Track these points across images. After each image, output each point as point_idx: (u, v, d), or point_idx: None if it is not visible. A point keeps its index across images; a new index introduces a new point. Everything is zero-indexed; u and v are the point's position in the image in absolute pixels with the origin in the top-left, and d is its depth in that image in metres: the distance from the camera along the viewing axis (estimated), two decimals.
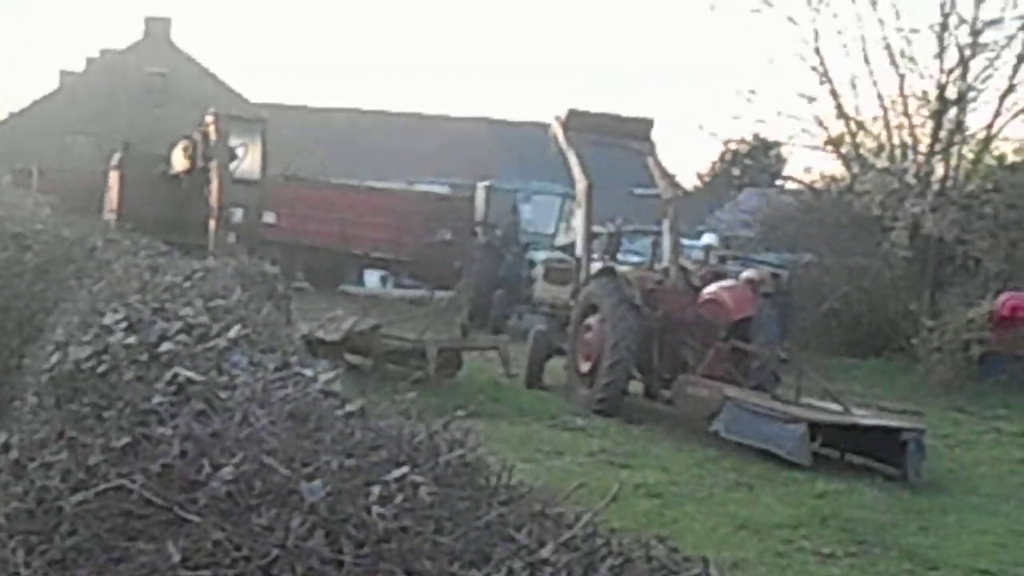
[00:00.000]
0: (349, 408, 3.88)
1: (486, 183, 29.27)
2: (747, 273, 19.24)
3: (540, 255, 25.03)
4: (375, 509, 2.81)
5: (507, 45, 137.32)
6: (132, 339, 4.74)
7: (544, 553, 2.39)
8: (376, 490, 2.91)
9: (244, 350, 4.64)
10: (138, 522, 3.20)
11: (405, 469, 3.09)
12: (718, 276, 18.48)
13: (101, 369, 4.56)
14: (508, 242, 26.73)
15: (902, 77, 26.54)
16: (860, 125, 27.31)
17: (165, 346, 4.58)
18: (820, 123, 27.79)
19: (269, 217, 29.70)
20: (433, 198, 30.71)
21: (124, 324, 5.06)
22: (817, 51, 27.18)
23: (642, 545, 2.48)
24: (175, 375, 4.11)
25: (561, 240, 22.26)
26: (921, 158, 26.45)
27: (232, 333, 4.93)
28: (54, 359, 5.14)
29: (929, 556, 11.16)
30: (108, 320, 5.23)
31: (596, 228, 20.08)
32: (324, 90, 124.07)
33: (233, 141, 24.15)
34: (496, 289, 24.73)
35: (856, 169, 27.85)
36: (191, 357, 4.34)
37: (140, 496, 3.26)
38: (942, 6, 25.84)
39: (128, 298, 5.85)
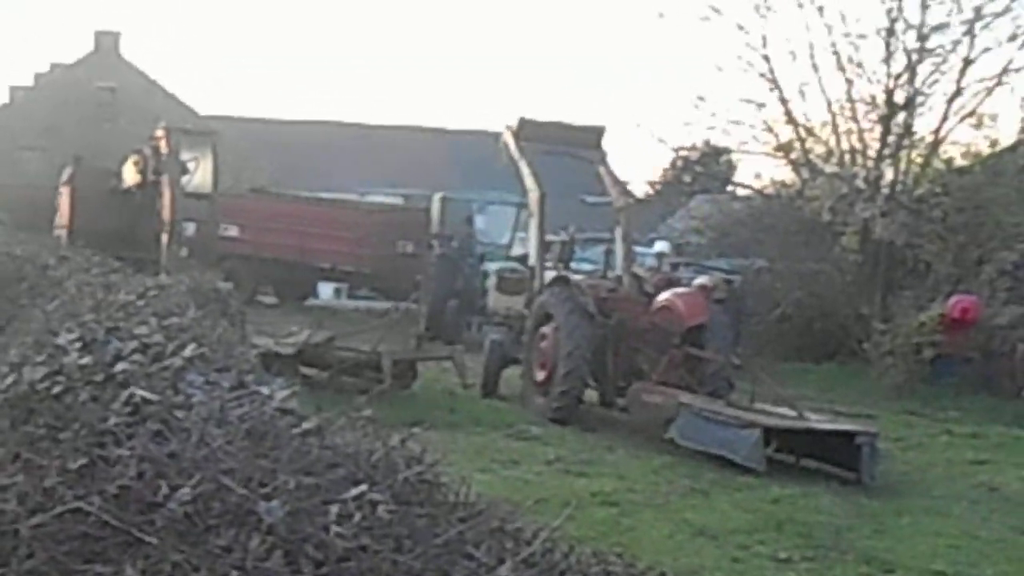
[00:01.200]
0: (306, 426, 3.92)
1: (440, 194, 29.27)
2: (700, 280, 19.44)
3: (493, 265, 25.08)
4: (334, 528, 2.86)
5: (458, 54, 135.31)
6: (87, 359, 4.75)
7: (503, 571, 2.45)
8: (334, 509, 2.97)
9: (200, 369, 4.67)
10: (96, 544, 3.19)
11: (363, 487, 3.14)
12: (671, 283, 18.60)
13: (56, 390, 4.49)
14: (464, 253, 26.77)
15: (850, 83, 26.79)
16: (809, 131, 27.56)
17: (120, 366, 4.59)
18: (769, 129, 28.01)
19: (232, 230, 29.81)
20: (393, 210, 30.74)
21: (79, 344, 5.07)
22: (766, 58, 27.32)
23: (600, 560, 2.55)
24: (131, 395, 4.09)
25: (516, 250, 22.31)
26: (870, 163, 26.65)
27: (187, 352, 4.96)
28: (8, 380, 5.07)
29: (885, 559, 11.17)
30: (62, 340, 5.23)
31: (549, 237, 20.12)
32: (275, 102, 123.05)
33: (184, 155, 24.23)
34: (452, 300, 24.76)
35: (806, 175, 28.05)
36: (147, 377, 4.37)
37: (97, 518, 3.26)
38: (889, 12, 26.09)
39: (82, 317, 5.86)
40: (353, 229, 29.46)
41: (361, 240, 28.98)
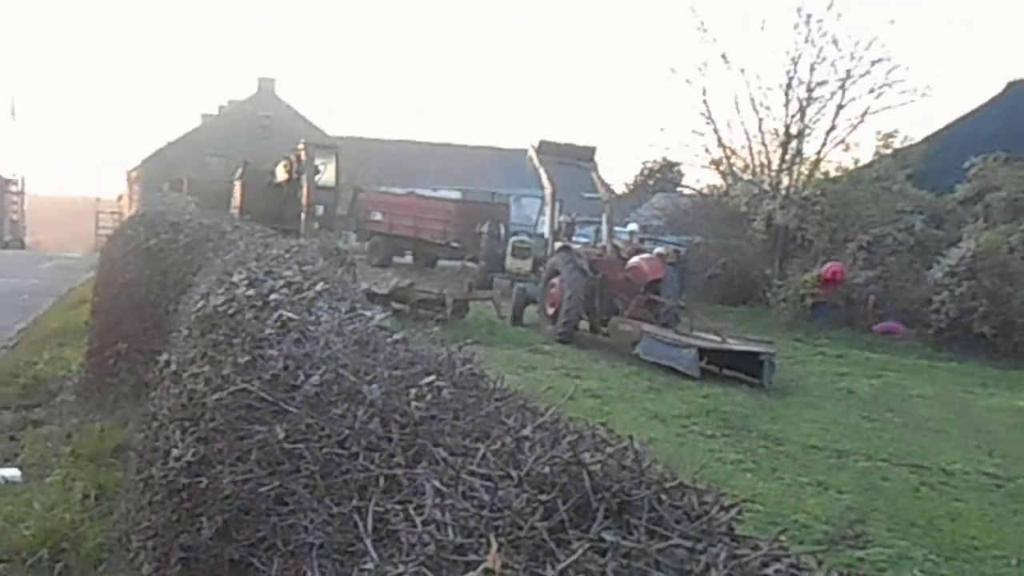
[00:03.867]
0: (395, 337, 3.89)
1: (494, 193, 29.30)
2: (658, 249, 19.48)
3: (514, 238, 25.03)
4: (413, 403, 2.80)
5: (498, 93, 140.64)
6: (251, 291, 4.74)
7: (525, 432, 2.38)
8: (413, 391, 2.89)
9: (325, 299, 4.68)
10: (255, 412, 3.06)
11: (432, 377, 3.06)
12: (639, 251, 18.62)
13: (230, 311, 4.52)
14: (504, 230, 26.70)
15: (760, 119, 26.49)
16: (732, 151, 27.24)
17: (273, 296, 4.58)
18: (707, 150, 27.72)
19: (376, 215, 30.02)
20: (472, 202, 30.61)
21: (246, 281, 5.07)
22: (704, 102, 27.08)
23: (590, 428, 2.52)
24: (280, 315, 4.12)
25: (540, 229, 22.33)
26: (773, 173, 26.42)
27: (317, 288, 4.95)
28: (199, 305, 5.01)
29: (777, 436, 11.24)
30: (235, 279, 5.23)
31: (559, 219, 20.20)
32: (374, 125, 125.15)
33: (316, 161, 24.37)
34: (498, 262, 24.72)
35: (730, 181, 27.73)
36: (290, 303, 4.37)
37: (257, 395, 3.16)
38: (787, 72, 25.87)
39: (248, 264, 5.87)
40: (446, 215, 29.33)
41: (450, 222, 28.81)
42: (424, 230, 28.84)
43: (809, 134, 26.30)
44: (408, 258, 30.29)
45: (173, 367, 4.45)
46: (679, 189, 32.69)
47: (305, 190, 24.25)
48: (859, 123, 26.61)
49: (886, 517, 8.29)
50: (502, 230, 25.29)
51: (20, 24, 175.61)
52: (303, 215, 23.81)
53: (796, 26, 25.54)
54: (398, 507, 2.23)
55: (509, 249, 23.52)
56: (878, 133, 28.27)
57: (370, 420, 2.71)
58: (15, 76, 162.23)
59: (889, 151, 27.23)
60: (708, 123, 26.96)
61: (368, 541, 2.19)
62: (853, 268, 22.89)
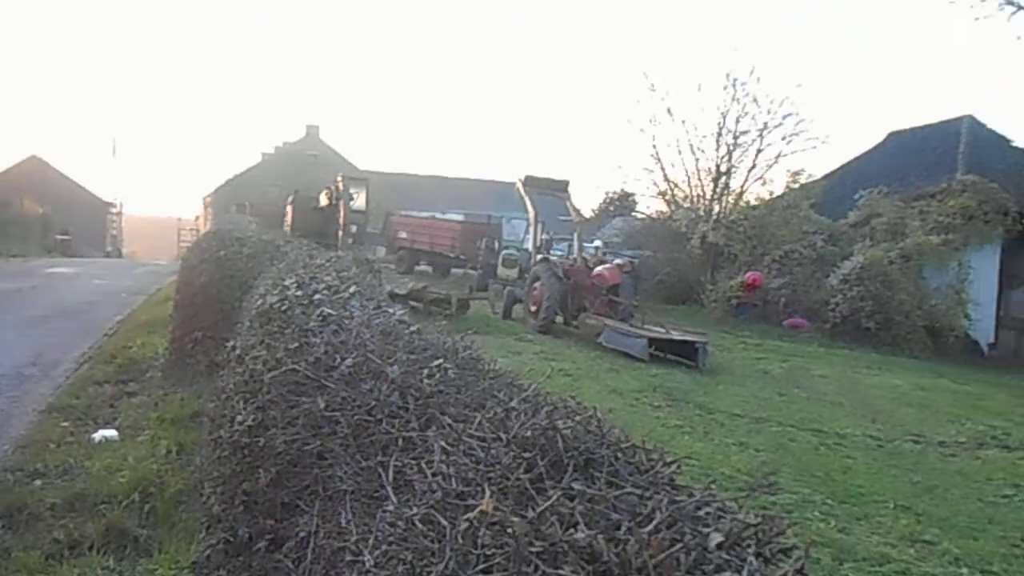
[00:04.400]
0: (412, 329, 3.88)
1: (489, 215, 29.29)
2: (617, 260, 19.42)
3: (504, 252, 25.03)
4: (425, 380, 2.80)
5: (493, 137, 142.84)
6: (299, 292, 4.74)
7: (512, 403, 2.38)
8: (425, 371, 2.89)
9: (357, 299, 4.67)
10: (302, 387, 3.07)
11: (440, 360, 3.07)
12: (602, 262, 18.56)
13: (283, 307, 4.52)
14: (498, 245, 26.67)
15: (697, 160, 26.39)
16: (675, 185, 27.14)
17: (316, 296, 4.58)
18: (655, 184, 27.69)
19: (403, 234, 29.99)
20: (472, 223, 30.57)
21: (295, 284, 5.06)
22: (654, 146, 27.07)
23: (562, 400, 2.52)
24: (321, 311, 4.11)
25: (526, 245, 22.33)
26: (707, 202, 26.39)
27: (351, 290, 4.94)
28: (258, 302, 4.99)
29: (709, 407, 11.09)
30: (287, 282, 5.22)
31: (540, 237, 20.22)
32: (395, 161, 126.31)
33: (351, 190, 24.32)
34: (493, 270, 24.71)
35: (673, 207, 27.69)
36: (330, 302, 4.36)
37: (303, 374, 3.15)
38: (718, 123, 25.82)
39: (297, 271, 5.87)
40: (454, 233, 29.29)
41: (459, 239, 28.75)
42: (437, 245, 28.76)
43: (735, 172, 26.16)
44: (427, 268, 30.20)
45: (238, 351, 4.43)
46: (634, 214, 32.64)
47: (342, 213, 24.15)
48: (774, 163, 26.53)
49: (793, 470, 8.28)
50: (496, 245, 25.28)
51: (119, 79, 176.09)
52: (340, 233, 23.73)
53: (725, 87, 25.57)
54: (413, 462, 2.24)
55: (500, 260, 23.53)
56: (788, 171, 28.27)
57: (391, 393, 2.70)
58: (115, 122, 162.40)
59: (797, 185, 27.19)
60: (656, 162, 26.93)
61: (389, 488, 2.20)
62: (769, 276, 22.66)
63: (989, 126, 25.19)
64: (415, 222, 30.64)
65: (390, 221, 31.31)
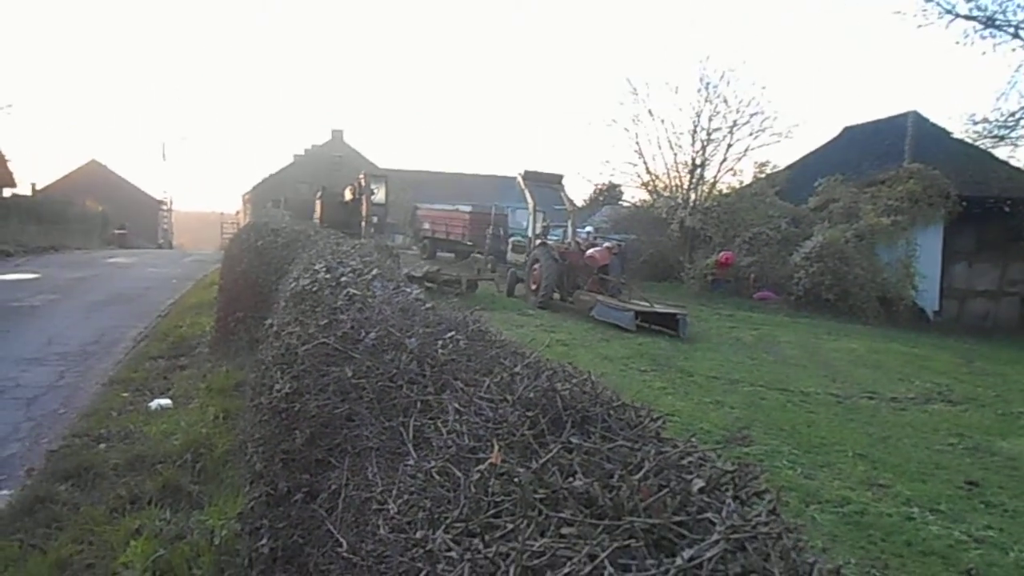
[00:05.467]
0: (428, 306, 3.87)
1: (495, 205, 29.11)
2: (606, 243, 19.32)
3: (511, 239, 24.92)
4: (440, 351, 2.80)
5: (498, 136, 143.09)
6: (328, 275, 4.73)
7: (516, 369, 2.38)
8: (440, 342, 2.90)
9: (379, 280, 4.66)
10: (332, 358, 2.98)
11: (453, 332, 3.06)
12: (593, 245, 18.49)
13: (314, 289, 4.51)
14: (505, 233, 26.54)
15: (675, 154, 26.24)
16: (656, 177, 27.01)
17: (343, 279, 4.56)
18: (638, 176, 27.52)
19: (426, 224, 29.74)
20: (480, 213, 30.31)
21: (324, 268, 5.05)
22: (637, 142, 26.93)
23: (561, 365, 2.53)
24: (348, 292, 4.08)
25: (530, 231, 22.27)
26: (684, 191, 26.28)
27: (373, 272, 4.93)
28: (292, 284, 4.95)
29: (689, 370, 11.04)
30: (317, 267, 5.21)
31: (539, 224, 20.16)
32: (412, 158, 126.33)
33: (372, 185, 24.13)
34: (497, 255, 24.60)
35: (655, 197, 27.61)
36: (355, 283, 4.35)
37: (332, 347, 3.12)
38: (693, 122, 25.69)
39: (325, 257, 5.87)
40: (464, 222, 29.10)
41: (468, 227, 28.56)
42: (453, 233, 28.62)
43: (709, 164, 25.95)
44: (450, 254, 29.90)
45: (275, 328, 4.38)
46: (620, 203, 32.56)
47: (365, 206, 23.90)
48: (743, 156, 26.29)
49: (763, 425, 8.27)
50: (502, 232, 25.22)
51: (169, 90, 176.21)
52: (363, 223, 23.61)
53: (699, 90, 25.41)
54: (430, 422, 2.22)
55: (511, 247, 23.44)
56: (756, 163, 28.25)
57: (410, 362, 2.67)
58: (165, 129, 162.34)
59: (763, 175, 27.12)
60: (639, 157, 26.79)
61: (410, 445, 2.18)
62: (740, 255, 22.55)
63: (932, 120, 25.17)
64: (435, 214, 30.50)
65: (416, 215, 31.05)
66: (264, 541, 3.21)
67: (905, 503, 6.22)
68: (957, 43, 24.29)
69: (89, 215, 41.98)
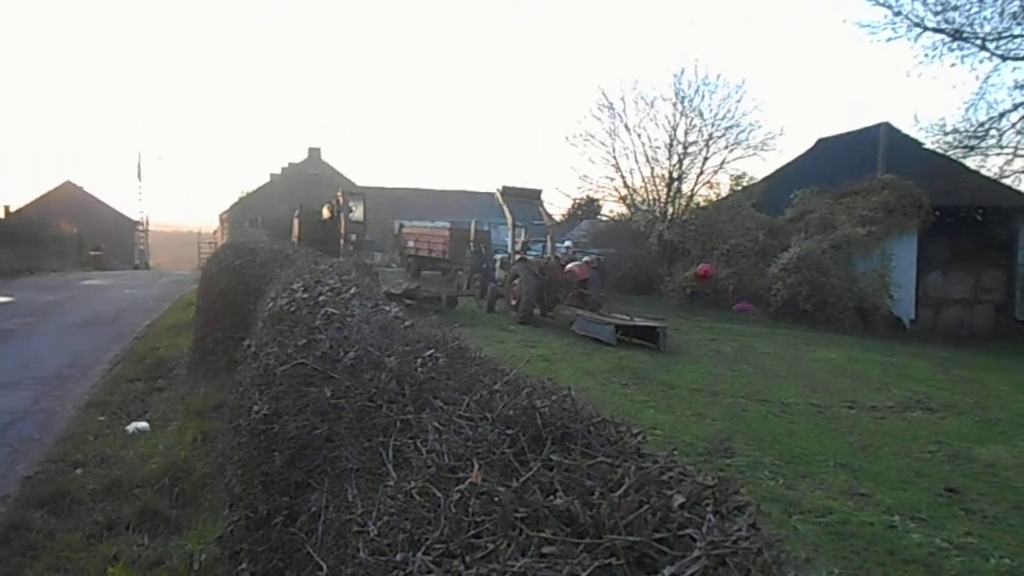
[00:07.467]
0: (406, 324, 3.87)
1: (474, 221, 29.09)
2: (586, 257, 19.34)
3: (499, 256, 24.89)
4: (419, 369, 2.80)
5: (476, 152, 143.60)
6: (306, 295, 4.69)
7: (496, 386, 2.37)
8: (419, 360, 2.89)
9: (357, 298, 4.65)
10: (310, 379, 2.94)
11: (432, 350, 3.07)
12: (572, 260, 18.54)
13: (292, 309, 4.45)
14: (487, 249, 26.49)
15: (652, 168, 26.50)
16: (634, 190, 27.20)
17: (321, 298, 4.54)
18: (616, 190, 27.65)
19: (410, 242, 29.63)
20: (465, 230, 30.23)
21: (302, 288, 5.03)
22: (614, 156, 27.13)
23: (541, 382, 2.51)
24: (326, 311, 4.08)
25: (509, 247, 22.24)
26: (662, 205, 26.47)
27: (352, 291, 4.93)
28: (270, 305, 5.01)
29: (671, 383, 10.98)
30: (294, 286, 5.18)
31: (519, 239, 20.17)
32: (389, 176, 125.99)
33: (350, 203, 24.03)
34: (478, 272, 24.55)
35: (633, 210, 27.78)
36: (333, 302, 4.33)
37: (311, 367, 3.12)
38: (670, 135, 25.93)
39: (303, 276, 5.84)
40: (444, 239, 29.02)
41: (448, 244, 28.47)
42: (434, 251, 28.56)
43: (686, 177, 26.28)
44: (436, 272, 29.75)
45: (253, 348, 4.38)
46: (599, 217, 32.72)
47: (343, 224, 23.79)
48: (719, 169, 26.60)
49: (745, 436, 8.24)
50: (483, 250, 25.22)
51: (143, 109, 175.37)
52: (341, 241, 23.50)
53: (675, 104, 25.74)
54: (410, 441, 2.21)
55: (498, 264, 23.47)
56: (732, 176, 28.54)
57: (390, 381, 2.66)
58: (140, 146, 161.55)
59: (740, 187, 27.44)
60: (617, 171, 26.96)
61: (390, 465, 2.17)
62: (718, 267, 22.63)
63: (904, 131, 25.54)
64: (419, 232, 30.44)
65: (401, 233, 30.94)
66: (244, 565, 3.18)
67: (886, 511, 6.22)
68: (927, 55, 24.61)
69: (64, 237, 41.58)
